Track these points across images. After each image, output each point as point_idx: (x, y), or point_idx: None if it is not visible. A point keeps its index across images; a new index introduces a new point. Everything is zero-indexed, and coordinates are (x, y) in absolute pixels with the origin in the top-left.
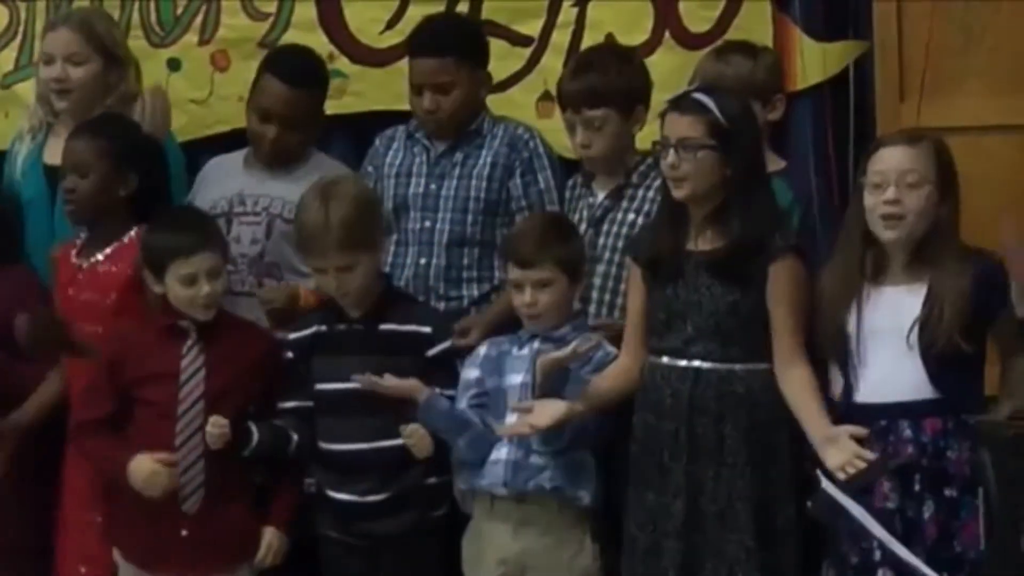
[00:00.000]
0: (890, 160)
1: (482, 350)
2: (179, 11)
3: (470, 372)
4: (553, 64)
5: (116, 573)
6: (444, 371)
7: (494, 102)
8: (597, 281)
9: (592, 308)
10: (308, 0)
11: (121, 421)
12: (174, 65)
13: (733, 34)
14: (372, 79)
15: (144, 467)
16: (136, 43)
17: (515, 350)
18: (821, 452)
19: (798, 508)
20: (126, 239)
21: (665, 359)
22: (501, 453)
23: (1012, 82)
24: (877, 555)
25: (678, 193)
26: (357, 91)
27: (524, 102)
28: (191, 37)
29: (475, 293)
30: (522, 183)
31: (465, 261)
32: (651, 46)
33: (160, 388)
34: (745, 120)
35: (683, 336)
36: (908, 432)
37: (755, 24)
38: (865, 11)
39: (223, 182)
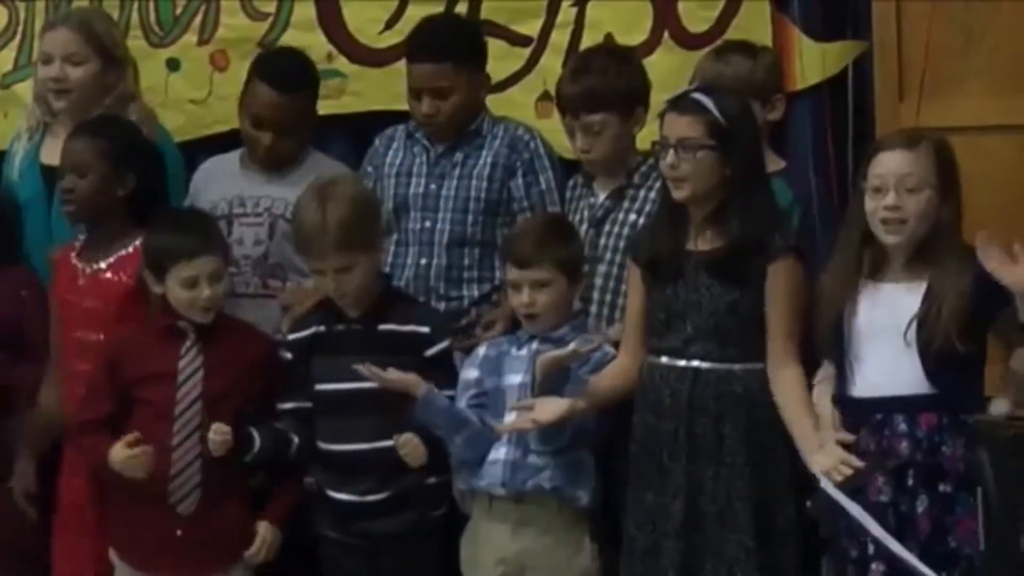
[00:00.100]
0: (889, 164)
1: (481, 350)
2: (178, 11)
3: (469, 372)
4: (552, 64)
5: (112, 574)
6: (442, 371)
7: (493, 102)
8: (598, 282)
9: (593, 309)
10: (307, 0)
11: (120, 422)
12: (173, 65)
13: (732, 34)
14: (371, 79)
15: (119, 454)
16: (135, 43)
17: (514, 350)
18: (807, 456)
19: (797, 508)
20: (131, 248)
21: (664, 359)
22: (499, 453)
23: (1012, 82)
24: (871, 549)
25: (678, 193)
26: (356, 91)
27: (523, 102)
28: (190, 37)
29: (476, 293)
30: (523, 184)
31: (466, 261)
32: (650, 46)
33: (158, 388)
34: (744, 120)
35: (682, 336)
36: (903, 427)
37: (754, 24)
38: (864, 11)
39: (221, 184)
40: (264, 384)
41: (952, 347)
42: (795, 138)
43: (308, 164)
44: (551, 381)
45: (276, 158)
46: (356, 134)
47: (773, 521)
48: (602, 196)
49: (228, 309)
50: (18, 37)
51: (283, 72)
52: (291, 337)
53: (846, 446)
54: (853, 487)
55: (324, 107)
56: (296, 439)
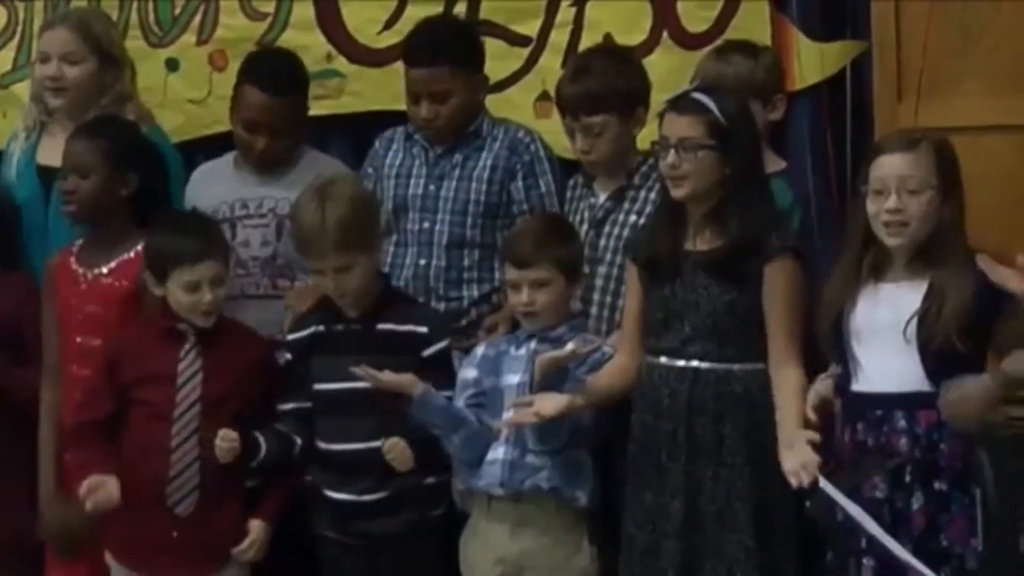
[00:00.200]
0: (889, 167)
1: (480, 350)
2: (177, 11)
3: (468, 372)
4: (551, 64)
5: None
6: (440, 371)
7: (492, 102)
8: (599, 282)
9: (594, 310)
10: (306, 0)
11: (119, 424)
12: (172, 65)
13: (731, 34)
14: (370, 79)
15: (88, 481)
16: (134, 43)
17: (512, 350)
18: (781, 454)
19: (797, 508)
20: (132, 252)
21: (663, 359)
22: (498, 453)
23: (1010, 82)
24: (863, 543)
25: (678, 193)
26: (355, 91)
27: (522, 102)
28: (189, 37)
29: (475, 294)
30: (523, 186)
31: (465, 262)
32: (649, 46)
33: (157, 389)
34: (744, 120)
35: (681, 336)
36: (902, 423)
37: (753, 24)
38: (863, 11)
39: (218, 188)
40: (262, 387)
41: (952, 346)
42: (794, 138)
43: (305, 162)
44: (549, 381)
45: (272, 160)
46: (355, 134)
47: (773, 521)
48: (602, 197)
49: (239, 310)
50: (17, 37)
51: (272, 74)
52: (290, 337)
53: (854, 431)
54: (851, 486)
55: (323, 107)
56: (299, 441)
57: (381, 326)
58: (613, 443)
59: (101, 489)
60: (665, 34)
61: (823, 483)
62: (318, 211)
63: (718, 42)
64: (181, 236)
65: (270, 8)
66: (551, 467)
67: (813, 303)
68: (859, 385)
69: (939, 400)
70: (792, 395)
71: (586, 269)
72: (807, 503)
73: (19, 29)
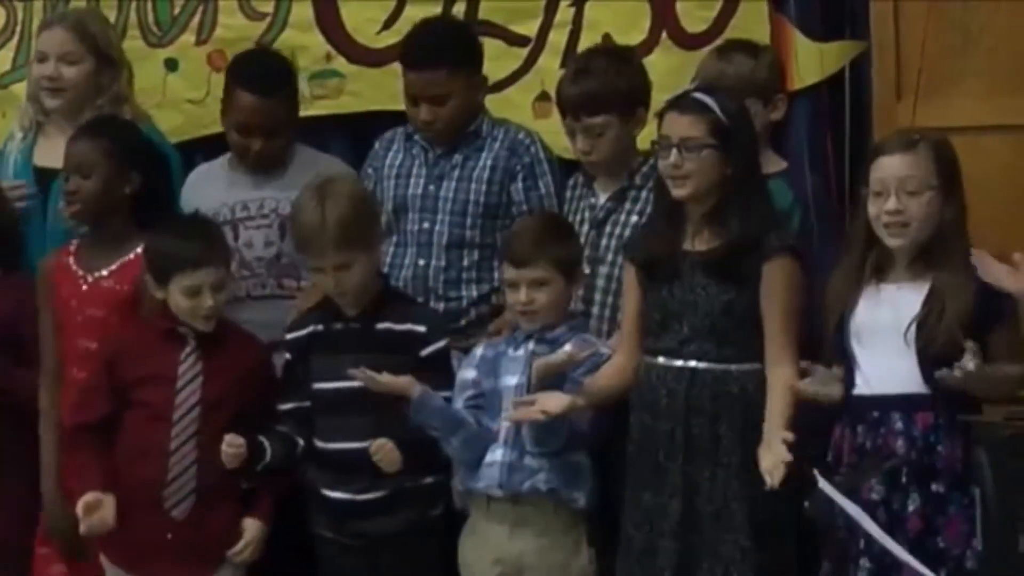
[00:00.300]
0: (889, 168)
1: (478, 351)
2: (176, 11)
3: (467, 373)
4: (550, 64)
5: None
6: (438, 371)
7: (491, 102)
8: (600, 283)
9: (595, 310)
10: (305, 0)
11: (116, 425)
12: (171, 65)
13: (730, 34)
14: (369, 79)
15: (85, 499)
16: (133, 43)
17: (511, 351)
18: (759, 453)
19: (794, 508)
20: (132, 254)
21: (661, 359)
22: (496, 455)
23: (1010, 82)
24: (861, 543)
25: (679, 192)
26: (354, 91)
27: (521, 102)
28: (188, 37)
29: (474, 294)
30: (523, 188)
31: (464, 263)
32: (648, 46)
33: (156, 390)
34: (744, 120)
35: (679, 336)
36: (899, 424)
37: (752, 24)
38: (862, 11)
39: (216, 191)
40: (259, 391)
41: (952, 349)
42: (793, 138)
43: (299, 160)
44: (547, 384)
45: (267, 161)
46: (354, 134)
47: (769, 521)
48: (603, 197)
49: (245, 311)
50: (16, 37)
51: (261, 76)
52: (289, 336)
53: (854, 432)
54: (849, 487)
55: (322, 107)
56: (301, 442)
57: (380, 325)
58: (612, 443)
59: (96, 513)
60: (664, 34)
61: (822, 483)
62: (318, 209)
63: (718, 42)
64: (183, 240)
65: (269, 8)
66: (549, 469)
67: (811, 303)
68: (857, 387)
69: (951, 371)
70: (780, 394)
71: (587, 269)
72: (806, 503)
73: (18, 29)
